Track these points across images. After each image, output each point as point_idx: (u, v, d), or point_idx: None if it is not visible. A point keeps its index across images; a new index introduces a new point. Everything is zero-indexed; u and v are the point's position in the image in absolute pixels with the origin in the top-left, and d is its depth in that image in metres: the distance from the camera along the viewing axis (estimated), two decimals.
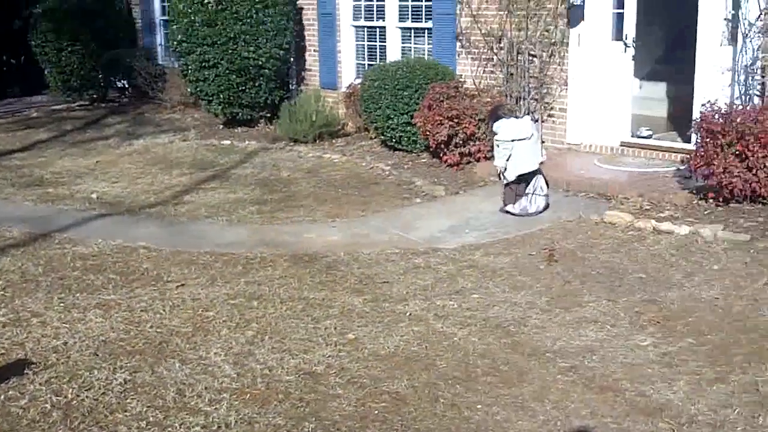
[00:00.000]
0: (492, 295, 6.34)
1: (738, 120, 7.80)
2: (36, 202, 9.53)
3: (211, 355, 5.37)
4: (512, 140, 8.32)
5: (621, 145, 10.17)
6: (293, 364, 5.24)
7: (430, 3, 11.92)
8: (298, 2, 13.65)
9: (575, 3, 10.09)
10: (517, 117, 8.62)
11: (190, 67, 13.33)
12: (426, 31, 12.18)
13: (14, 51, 22.10)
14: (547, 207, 8.39)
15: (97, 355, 5.30)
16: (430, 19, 11.95)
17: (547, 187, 8.47)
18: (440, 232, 8.11)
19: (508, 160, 8.38)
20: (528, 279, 6.67)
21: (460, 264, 7.10)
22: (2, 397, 4.71)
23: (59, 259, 7.22)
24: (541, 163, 8.51)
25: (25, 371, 5.01)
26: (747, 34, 8.77)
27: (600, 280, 6.56)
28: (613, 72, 10.13)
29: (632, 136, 10.23)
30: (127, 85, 17.65)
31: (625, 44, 9.92)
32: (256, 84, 13.30)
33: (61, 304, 6.15)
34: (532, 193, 8.34)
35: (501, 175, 8.58)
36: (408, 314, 6.03)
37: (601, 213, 8.13)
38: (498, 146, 8.46)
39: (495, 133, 8.52)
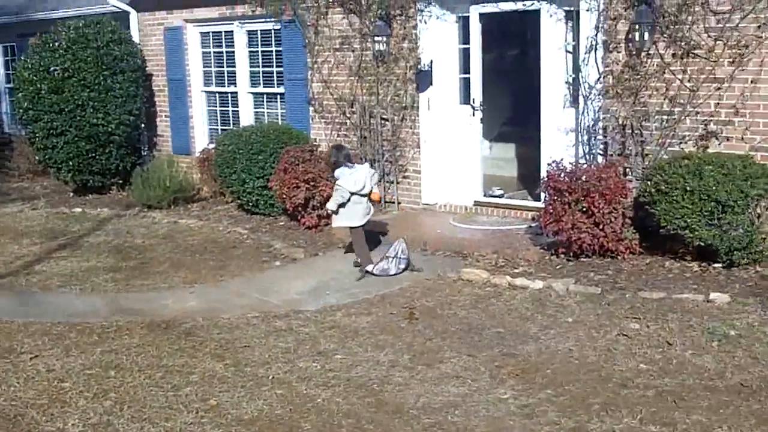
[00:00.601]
0: (355, 355, 6.41)
1: (583, 178, 8.21)
2: None
3: (69, 426, 5.20)
4: (351, 193, 8.52)
5: (475, 205, 10.55)
6: None
7: (281, 69, 12.12)
8: (147, 68, 13.60)
9: (423, 69, 10.50)
10: (353, 164, 8.72)
11: (37, 135, 13.04)
12: (278, 96, 12.36)
13: None
14: (407, 268, 8.53)
15: None
16: (282, 84, 12.14)
17: (408, 249, 8.64)
18: (301, 295, 8.15)
19: (341, 206, 8.58)
20: (390, 337, 6.77)
21: (322, 325, 7.15)
22: None
23: None
24: (367, 222, 8.76)
25: None
26: (588, 96, 9.29)
27: (460, 336, 6.73)
28: (463, 134, 10.56)
29: (485, 196, 10.64)
30: None
31: (473, 107, 10.37)
32: (107, 150, 13.11)
33: None
34: (394, 257, 8.48)
35: (329, 216, 8.85)
36: (270, 378, 6.01)
37: (459, 271, 8.36)
38: (337, 190, 8.61)
39: (336, 178, 8.67)
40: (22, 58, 13.43)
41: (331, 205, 8.66)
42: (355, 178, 8.54)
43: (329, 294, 8.11)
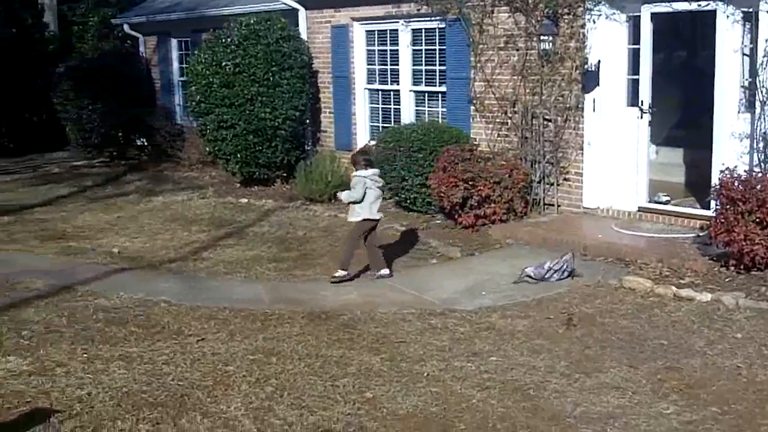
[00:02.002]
0: (510, 358, 6.35)
1: (758, 187, 7.81)
2: (58, 255, 9.65)
3: (232, 409, 5.40)
4: (365, 187, 8.51)
5: (639, 210, 10.22)
6: (312, 420, 5.26)
7: (443, 68, 12.15)
8: (313, 65, 13.93)
9: (589, 69, 10.27)
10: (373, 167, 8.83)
11: (208, 127, 13.57)
12: (440, 94, 12.39)
13: (36, 109, 22.54)
14: (569, 276, 8.33)
15: (121, 406, 5.34)
16: (444, 83, 12.16)
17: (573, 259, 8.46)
18: (456, 294, 8.15)
19: (359, 201, 8.51)
20: (547, 343, 6.67)
21: (478, 326, 7.12)
22: None
23: (82, 311, 7.30)
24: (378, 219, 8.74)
25: (51, 419, 5.04)
26: (765, 102, 8.84)
27: (620, 346, 6.55)
28: (630, 137, 10.25)
29: (650, 202, 10.29)
30: (146, 143, 17.92)
31: (641, 110, 10.05)
32: (273, 144, 13.49)
33: (85, 355, 6.21)
34: (558, 269, 8.29)
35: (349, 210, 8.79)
36: (425, 375, 6.04)
37: (621, 278, 8.14)
38: (354, 186, 8.60)
39: (354, 175, 8.67)
40: (196, 52, 14.04)
41: (344, 196, 8.70)
42: (371, 172, 8.60)
43: (485, 294, 8.07)
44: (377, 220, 8.78)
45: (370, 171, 8.64)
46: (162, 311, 7.45)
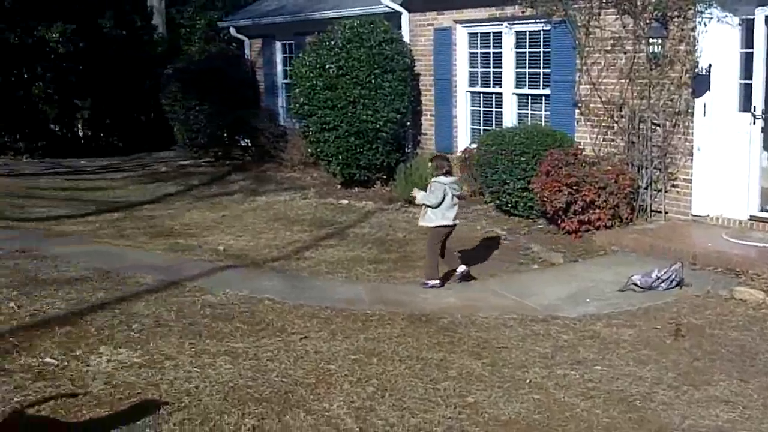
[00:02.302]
0: (615, 368, 6.22)
1: None
2: (166, 251, 9.92)
3: (334, 407, 5.44)
4: (444, 194, 8.42)
5: (750, 219, 9.87)
6: (413, 423, 5.26)
7: (548, 70, 12.00)
8: (415, 68, 13.95)
9: (700, 73, 9.98)
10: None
11: (311, 129, 13.75)
12: (543, 97, 12.25)
13: (144, 109, 23.32)
14: (678, 285, 8.12)
15: (227, 400, 5.45)
16: (548, 86, 12.02)
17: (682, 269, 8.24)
18: (559, 300, 8.03)
19: (435, 206, 8.42)
20: (653, 353, 6.51)
21: (582, 333, 7.01)
22: None
23: (190, 306, 7.49)
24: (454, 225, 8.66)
25: (160, 411, 5.19)
26: None
27: (730, 359, 6.35)
28: (741, 143, 9.91)
29: (761, 210, 9.91)
30: (250, 144, 18.28)
31: (754, 115, 9.71)
32: (374, 146, 13.57)
33: (192, 349, 6.36)
34: (666, 279, 8.09)
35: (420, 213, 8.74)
36: (528, 381, 5.97)
37: (731, 289, 7.89)
38: (432, 191, 8.48)
39: (433, 181, 8.54)
40: (300, 55, 14.24)
41: (419, 196, 8.59)
42: (450, 179, 8.55)
43: (589, 302, 7.93)
44: (453, 226, 8.71)
45: (450, 179, 8.60)
46: (266, 308, 7.57)
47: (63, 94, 21.40)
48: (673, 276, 8.09)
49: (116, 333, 6.63)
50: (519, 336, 6.97)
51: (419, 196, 8.60)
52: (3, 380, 5.52)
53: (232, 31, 19.82)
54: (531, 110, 12.58)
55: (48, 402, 5.24)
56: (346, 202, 13.22)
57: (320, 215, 12.41)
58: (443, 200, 8.46)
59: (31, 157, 21.04)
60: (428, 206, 8.52)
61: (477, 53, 13.31)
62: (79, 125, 24.57)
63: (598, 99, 11.16)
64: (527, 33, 12.35)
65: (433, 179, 8.53)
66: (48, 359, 5.97)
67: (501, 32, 12.71)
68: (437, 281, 8.54)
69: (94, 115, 23.61)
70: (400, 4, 13.93)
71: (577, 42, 11.30)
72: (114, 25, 22.10)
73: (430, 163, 8.60)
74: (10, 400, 5.23)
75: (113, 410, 5.18)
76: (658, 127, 10.50)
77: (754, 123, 9.77)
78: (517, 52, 12.60)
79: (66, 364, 5.92)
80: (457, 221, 8.79)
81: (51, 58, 20.47)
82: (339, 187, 14.29)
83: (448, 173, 8.63)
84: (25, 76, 20.92)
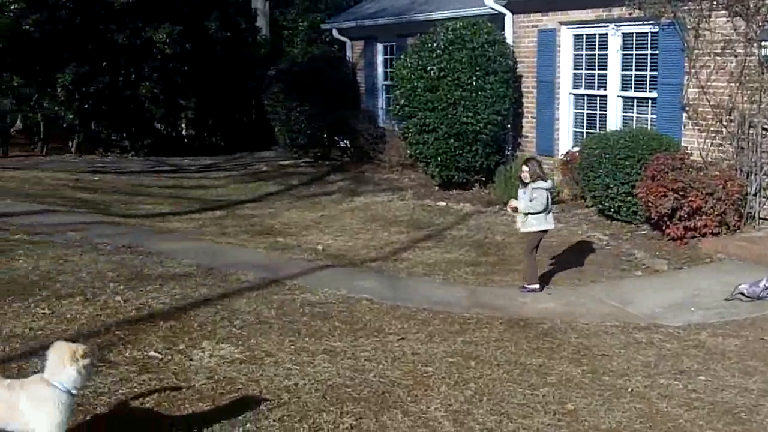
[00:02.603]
0: (720, 379, 6.04)
1: None
2: (267, 249, 10.07)
3: (432, 410, 5.42)
4: (547, 199, 8.33)
5: None
6: (511, 428, 5.21)
7: (655, 73, 11.71)
8: (517, 70, 13.82)
9: None
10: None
11: (410, 131, 13.77)
12: (649, 101, 11.96)
13: (246, 109, 23.79)
14: None
15: (325, 398, 5.49)
16: (655, 89, 11.73)
17: None
18: (662, 308, 7.84)
19: (535, 214, 8.27)
20: (760, 364, 6.31)
21: (685, 343, 6.83)
22: (240, 429, 4.96)
23: (289, 304, 7.58)
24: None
25: (260, 407, 5.27)
26: None
27: None
28: None
29: None
30: (349, 145, 18.43)
31: None
32: (473, 148, 13.51)
33: (292, 347, 6.43)
34: None
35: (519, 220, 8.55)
36: (629, 390, 5.85)
37: None
38: (535, 198, 8.27)
39: (536, 188, 8.28)
40: (402, 57, 14.28)
41: (521, 206, 8.40)
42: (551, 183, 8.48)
43: (693, 311, 7.72)
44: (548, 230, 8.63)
45: (549, 182, 8.48)
46: (364, 308, 7.61)
47: (168, 94, 22.02)
48: None
49: (218, 328, 6.76)
50: (621, 344, 6.83)
51: (521, 206, 8.45)
52: (109, 372, 5.68)
53: (335, 32, 20.04)
54: (636, 113, 12.29)
55: (152, 395, 5.38)
56: (444, 204, 13.19)
57: (418, 217, 12.42)
58: (547, 205, 8.36)
59: (136, 155, 21.73)
60: (533, 214, 8.39)
61: (582, 55, 13.09)
62: (183, 125, 25.27)
63: (707, 103, 10.83)
64: (634, 35, 12.08)
65: (534, 185, 8.35)
66: (152, 353, 6.13)
67: (607, 34, 12.47)
68: (537, 285, 8.45)
69: (198, 115, 24.23)
70: (504, 6, 13.81)
71: (685, 44, 10.99)
72: (219, 27, 22.61)
73: (524, 166, 8.43)
74: (115, 391, 5.38)
75: (215, 405, 5.28)
76: None
77: None
78: (623, 54, 12.34)
79: (170, 358, 6.06)
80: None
81: (158, 59, 21.09)
82: (437, 188, 14.27)
83: (543, 178, 8.52)
84: (133, 76, 21.60)
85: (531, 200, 8.31)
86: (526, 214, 8.38)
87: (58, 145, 22.28)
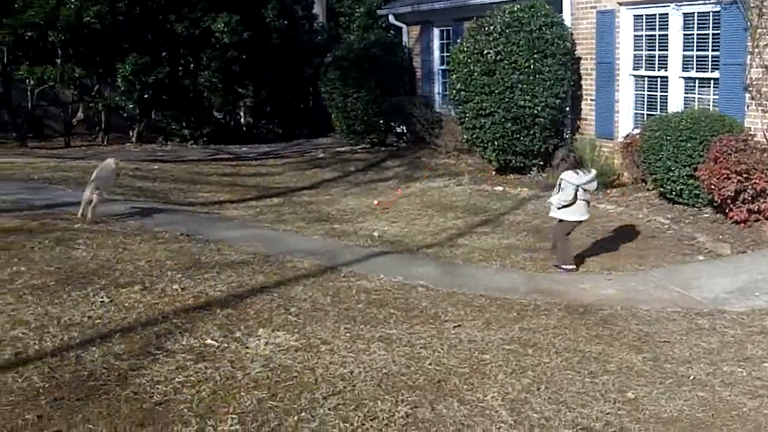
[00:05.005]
0: None
1: None
2: (323, 236, 10.10)
3: (488, 398, 5.37)
4: (577, 186, 8.44)
5: None
6: (570, 417, 5.13)
7: (717, 53, 11.40)
8: (576, 52, 13.59)
9: None
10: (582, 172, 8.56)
11: (467, 115, 13.65)
12: (711, 81, 11.65)
13: (303, 97, 23.90)
14: None
15: (381, 386, 5.47)
16: (717, 69, 11.42)
17: None
18: (726, 293, 7.66)
19: (567, 206, 8.47)
20: None
21: (750, 329, 6.66)
22: (296, 418, 4.97)
23: (345, 291, 7.58)
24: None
25: (315, 395, 5.26)
26: None
27: None
28: None
29: None
30: (405, 131, 18.39)
31: None
32: (531, 132, 13.35)
33: (347, 334, 6.42)
34: None
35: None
36: (691, 378, 5.74)
37: None
38: (563, 189, 8.46)
39: (563, 179, 8.53)
40: (458, 41, 14.16)
41: (554, 200, 8.63)
42: (580, 175, 8.50)
43: (758, 296, 7.55)
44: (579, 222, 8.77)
45: (581, 177, 8.49)
46: (420, 295, 7.56)
47: (227, 82, 22.22)
48: None
49: (274, 316, 6.77)
50: (682, 330, 6.70)
51: (555, 201, 8.65)
52: (166, 361, 5.73)
53: (391, 18, 19.96)
54: (698, 94, 11.99)
55: (208, 383, 5.41)
56: (501, 188, 13.07)
57: (474, 202, 12.32)
58: (575, 198, 8.46)
59: (195, 144, 21.99)
60: (566, 206, 8.56)
61: (642, 35, 12.80)
62: (242, 113, 25.50)
63: None
64: (695, 14, 11.76)
65: (563, 175, 8.53)
66: (209, 341, 6.17)
67: (667, 14, 12.16)
68: (573, 265, 8.59)
69: (256, 103, 24.42)
70: None
71: (749, 23, 10.66)
72: (276, 15, 22.71)
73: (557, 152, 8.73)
74: (172, 379, 5.42)
75: (270, 393, 5.28)
76: None
77: None
78: (684, 34, 12.04)
79: (226, 345, 6.08)
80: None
81: (216, 48, 21.28)
82: (494, 173, 14.14)
83: (576, 166, 8.55)
84: (192, 65, 21.84)
85: (561, 192, 8.57)
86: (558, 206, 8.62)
87: (119, 134, 22.68)
